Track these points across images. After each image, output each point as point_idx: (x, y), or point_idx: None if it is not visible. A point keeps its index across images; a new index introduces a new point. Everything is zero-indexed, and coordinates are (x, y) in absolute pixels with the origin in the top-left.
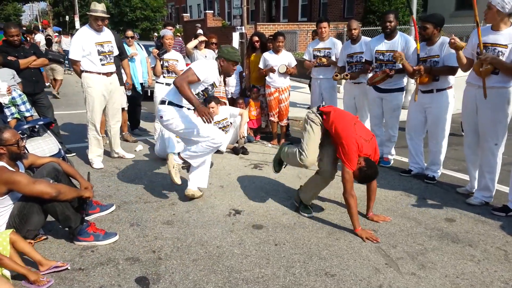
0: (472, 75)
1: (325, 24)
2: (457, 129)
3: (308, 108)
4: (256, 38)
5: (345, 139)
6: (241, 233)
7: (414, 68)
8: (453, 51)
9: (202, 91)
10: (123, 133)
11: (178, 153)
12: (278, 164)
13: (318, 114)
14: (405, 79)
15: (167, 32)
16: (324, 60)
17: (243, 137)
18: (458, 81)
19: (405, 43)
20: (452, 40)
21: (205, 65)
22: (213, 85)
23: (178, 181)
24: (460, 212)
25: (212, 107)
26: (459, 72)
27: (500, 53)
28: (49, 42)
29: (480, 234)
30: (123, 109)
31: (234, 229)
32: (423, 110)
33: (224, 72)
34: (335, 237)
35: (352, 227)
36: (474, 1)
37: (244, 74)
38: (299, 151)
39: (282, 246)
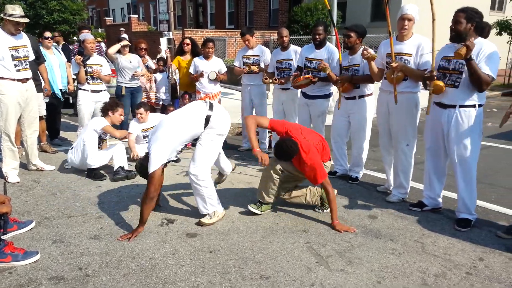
0: (384, 82)
1: (247, 36)
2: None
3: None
4: (187, 41)
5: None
6: (174, 242)
7: (337, 78)
8: None
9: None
10: (41, 143)
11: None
12: None
13: None
14: (331, 87)
15: (88, 36)
16: (254, 68)
17: None
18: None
19: (330, 53)
20: (365, 52)
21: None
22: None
23: None
24: (381, 209)
25: (141, 113)
26: None
27: (406, 61)
28: None
29: (399, 229)
30: (41, 117)
31: (167, 239)
32: (347, 116)
33: None
34: (269, 239)
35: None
36: (387, 12)
37: (169, 77)
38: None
39: (217, 252)
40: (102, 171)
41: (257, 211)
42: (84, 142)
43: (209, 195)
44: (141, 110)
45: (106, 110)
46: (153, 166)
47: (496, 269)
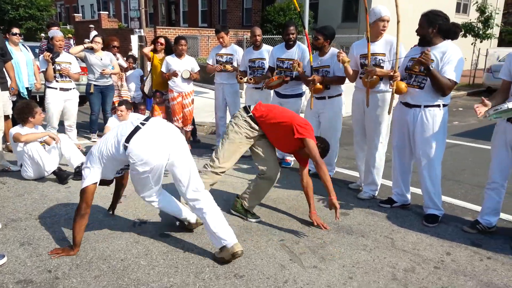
0: (359, 80)
1: (222, 34)
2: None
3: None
4: (162, 41)
5: (293, 119)
6: (147, 243)
7: (309, 78)
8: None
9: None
10: (7, 143)
11: None
12: None
13: (248, 117)
14: (303, 86)
15: (57, 33)
16: (228, 67)
17: None
18: (349, 87)
19: (301, 53)
20: (340, 55)
21: None
22: None
23: None
24: (352, 206)
25: (121, 111)
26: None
27: (381, 61)
28: None
29: (370, 225)
30: (7, 116)
31: (139, 240)
32: (317, 115)
33: None
34: (242, 238)
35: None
36: (367, 17)
37: (144, 78)
38: (211, 159)
39: (191, 252)
40: (64, 171)
41: (256, 218)
42: (33, 155)
43: (170, 212)
44: (122, 107)
45: (24, 117)
46: (85, 182)
47: (462, 263)
